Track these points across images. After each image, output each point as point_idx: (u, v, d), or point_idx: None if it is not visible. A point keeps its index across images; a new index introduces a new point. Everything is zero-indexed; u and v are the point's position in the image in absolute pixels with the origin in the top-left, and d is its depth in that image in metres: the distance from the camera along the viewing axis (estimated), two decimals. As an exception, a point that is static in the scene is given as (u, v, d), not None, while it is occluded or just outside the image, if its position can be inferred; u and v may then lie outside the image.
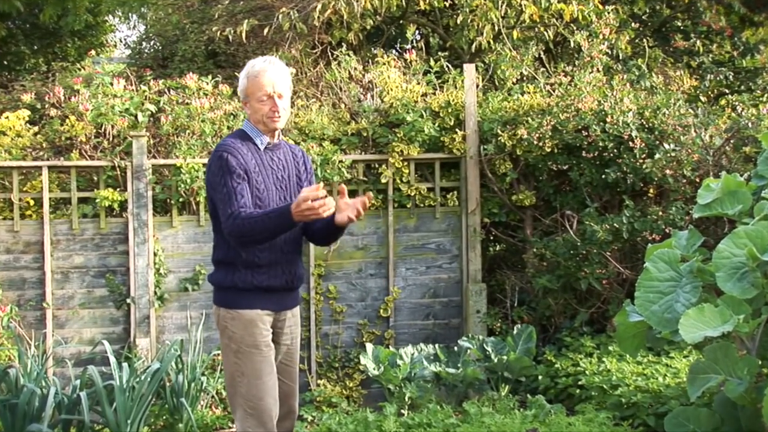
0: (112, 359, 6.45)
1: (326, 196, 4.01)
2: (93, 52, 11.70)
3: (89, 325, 7.63)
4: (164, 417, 6.68)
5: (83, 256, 7.63)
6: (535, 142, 7.77)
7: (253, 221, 4.08)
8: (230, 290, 4.36)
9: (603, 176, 7.70)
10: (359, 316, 8.06)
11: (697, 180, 7.40)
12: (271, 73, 4.27)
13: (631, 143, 7.60)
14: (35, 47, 12.98)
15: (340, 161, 7.88)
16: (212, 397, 7.28)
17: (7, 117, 7.87)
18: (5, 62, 12.76)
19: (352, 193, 8.01)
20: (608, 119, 7.69)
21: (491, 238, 8.41)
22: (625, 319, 5.44)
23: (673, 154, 7.48)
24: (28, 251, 7.56)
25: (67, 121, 7.77)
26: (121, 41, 16.86)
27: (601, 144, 7.64)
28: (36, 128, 7.99)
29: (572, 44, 9.22)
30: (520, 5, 9.30)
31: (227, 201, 4.15)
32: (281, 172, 4.38)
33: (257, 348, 4.30)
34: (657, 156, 7.50)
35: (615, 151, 7.67)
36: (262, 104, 4.27)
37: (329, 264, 8.00)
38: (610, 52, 9.11)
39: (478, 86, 8.38)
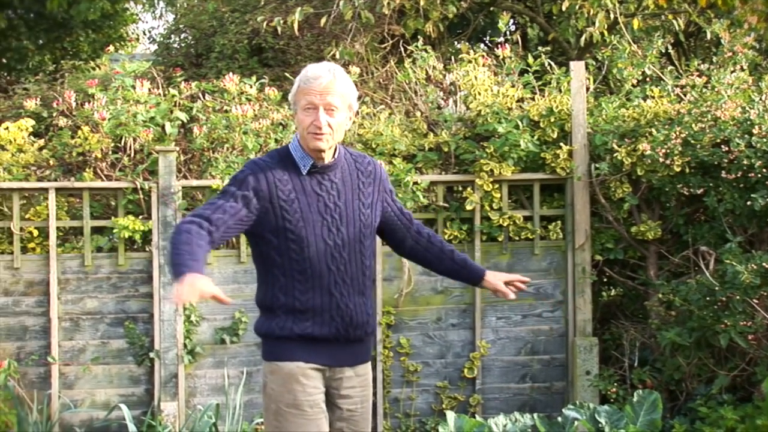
0: (132, 427, 6.53)
1: None
2: (111, 47, 11.88)
3: (104, 384, 7.74)
4: (195, 500, 6.77)
5: (97, 300, 7.76)
6: (661, 160, 7.75)
7: (175, 240, 4.15)
8: (269, 339, 4.44)
9: (748, 203, 7.64)
10: (438, 376, 8.08)
11: None
12: (325, 80, 4.33)
13: (784, 161, 7.56)
14: (41, 42, 13.20)
15: (415, 183, 7.92)
16: (254, 476, 7.34)
17: (7, 128, 8.01)
18: (5, 60, 12.97)
19: (431, 223, 8.04)
20: (755, 131, 7.64)
21: (605, 280, 8.37)
22: (776, 384, 5.40)
23: (838, 175, 7.43)
24: (31, 293, 7.71)
25: (79, 132, 7.89)
26: (144, 34, 17.15)
27: (745, 162, 7.59)
28: (41, 141, 8.17)
29: (709, 36, 9.18)
30: (643, -13, 9.31)
31: (206, 204, 4.30)
32: (334, 198, 4.41)
33: (298, 408, 4.33)
34: (818, 177, 7.45)
35: (764, 170, 7.61)
36: (305, 115, 4.35)
37: (401, 311, 8.03)
38: (757, 46, 9.04)
39: (588, 89, 8.38)
